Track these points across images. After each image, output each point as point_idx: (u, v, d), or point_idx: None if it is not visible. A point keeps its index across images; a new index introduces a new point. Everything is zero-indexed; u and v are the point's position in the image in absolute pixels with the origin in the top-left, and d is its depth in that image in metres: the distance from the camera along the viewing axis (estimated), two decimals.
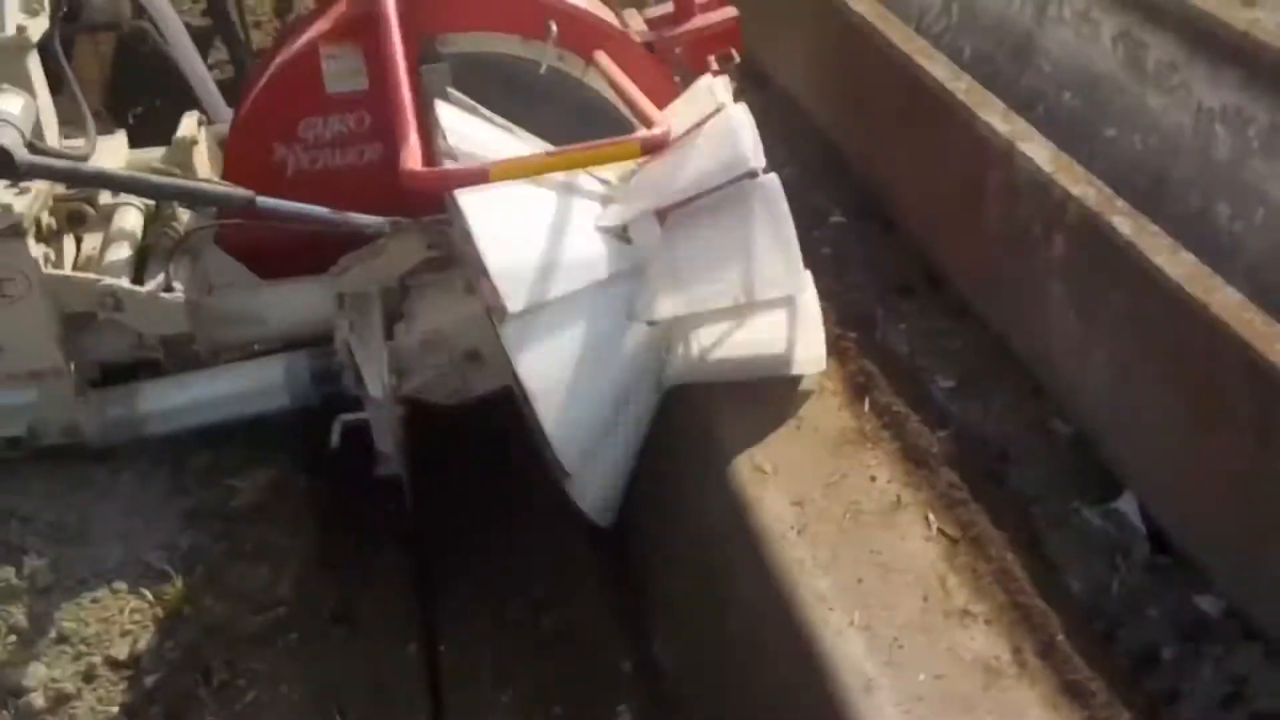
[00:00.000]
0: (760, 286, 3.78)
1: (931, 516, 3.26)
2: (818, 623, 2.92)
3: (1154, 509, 3.51)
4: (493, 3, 4.53)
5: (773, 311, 3.91)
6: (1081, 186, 3.81)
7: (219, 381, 4.44)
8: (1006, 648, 2.84)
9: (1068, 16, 5.28)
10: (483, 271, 3.57)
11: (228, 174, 4.53)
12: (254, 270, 4.57)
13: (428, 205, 4.28)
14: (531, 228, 3.74)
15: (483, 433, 4.51)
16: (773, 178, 3.78)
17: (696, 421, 3.83)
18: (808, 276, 3.82)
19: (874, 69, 5.18)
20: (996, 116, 4.28)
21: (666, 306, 3.83)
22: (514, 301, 3.60)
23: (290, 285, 4.55)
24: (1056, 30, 5.35)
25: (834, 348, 3.92)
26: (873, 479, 3.38)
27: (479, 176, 3.47)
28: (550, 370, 3.69)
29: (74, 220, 4.33)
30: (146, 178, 4.20)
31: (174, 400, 4.41)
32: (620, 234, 3.90)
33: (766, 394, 3.76)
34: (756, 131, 3.83)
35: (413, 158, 3.55)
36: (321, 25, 4.53)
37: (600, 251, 3.81)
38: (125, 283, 4.25)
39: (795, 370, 3.89)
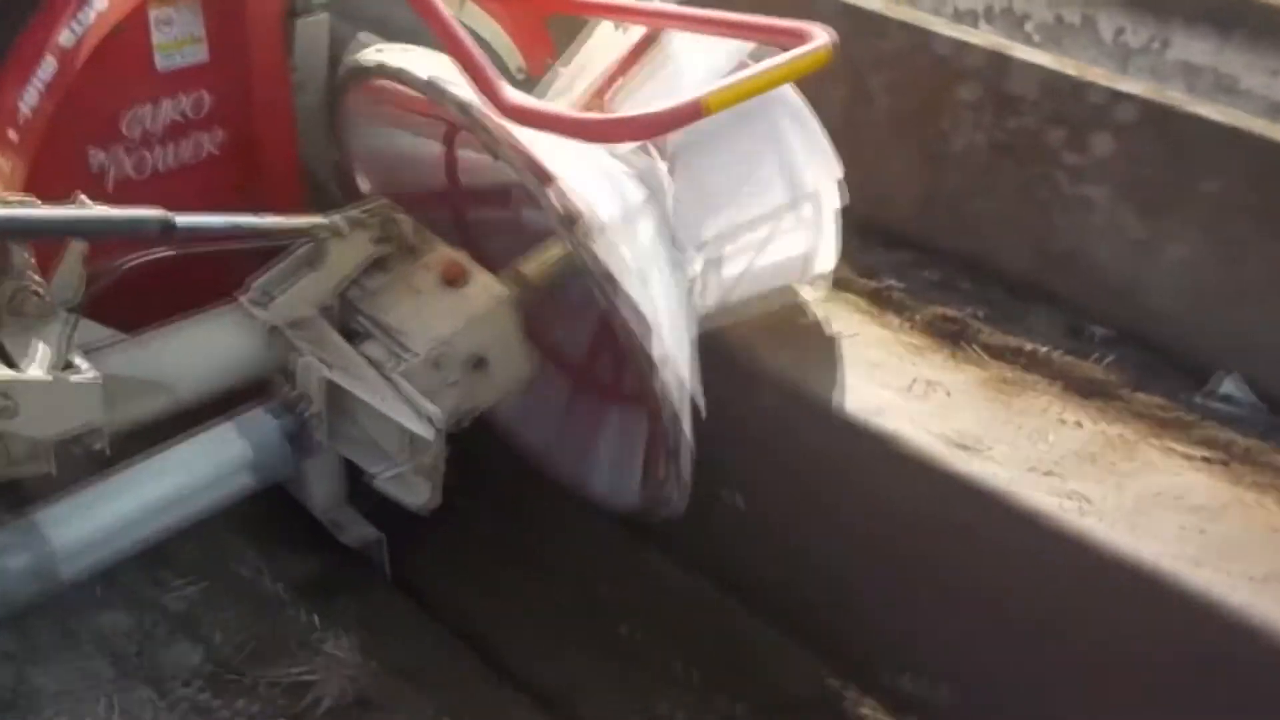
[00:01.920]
0: (800, 184, 3.59)
1: None
2: None
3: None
4: None
5: (798, 216, 3.73)
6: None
7: (147, 485, 3.19)
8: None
9: None
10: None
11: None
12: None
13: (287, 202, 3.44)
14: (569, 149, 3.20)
15: None
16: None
17: None
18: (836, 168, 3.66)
19: None
20: None
21: (709, 227, 3.49)
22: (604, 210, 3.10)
23: (192, 329, 3.38)
24: None
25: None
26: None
27: (694, 112, 2.87)
28: (646, 293, 3.21)
29: None
30: (33, 216, 2.85)
31: (91, 524, 3.09)
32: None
33: None
34: None
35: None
36: None
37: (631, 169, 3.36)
38: (11, 373, 2.89)
39: (815, 271, 3.77)
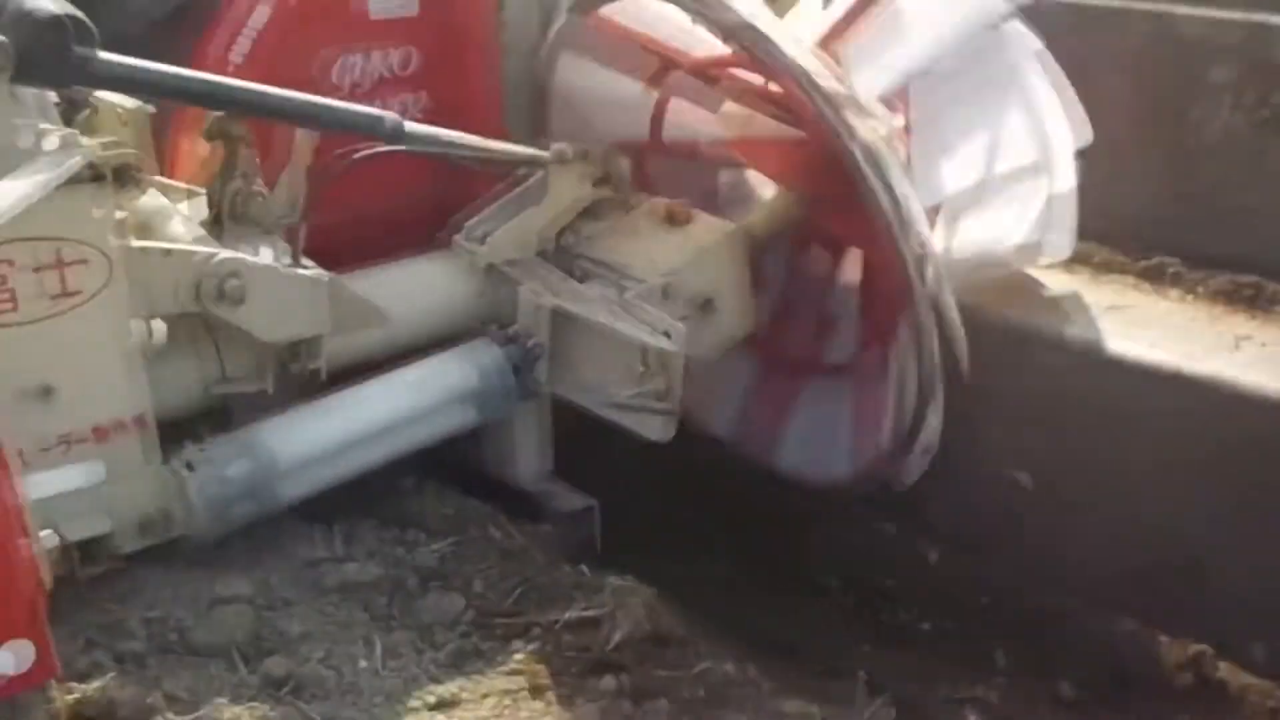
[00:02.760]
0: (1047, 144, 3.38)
1: None
2: None
3: None
4: None
5: (1027, 191, 3.51)
6: None
7: (370, 405, 2.93)
8: None
9: None
10: None
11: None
12: None
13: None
14: None
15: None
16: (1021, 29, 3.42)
17: None
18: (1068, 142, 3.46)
19: None
20: None
21: (950, 181, 3.29)
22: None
23: (408, 266, 3.20)
24: None
25: None
26: None
27: None
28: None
29: (120, 178, 2.62)
30: (272, 93, 2.72)
31: (314, 442, 2.82)
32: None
33: None
34: None
35: None
36: None
37: None
38: (246, 255, 2.70)
39: (1045, 258, 3.52)
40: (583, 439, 3.33)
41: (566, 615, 2.66)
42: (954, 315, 3.03)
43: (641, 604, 2.65)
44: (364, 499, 2.98)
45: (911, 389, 3.19)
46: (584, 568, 2.86)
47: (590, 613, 2.66)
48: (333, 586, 2.72)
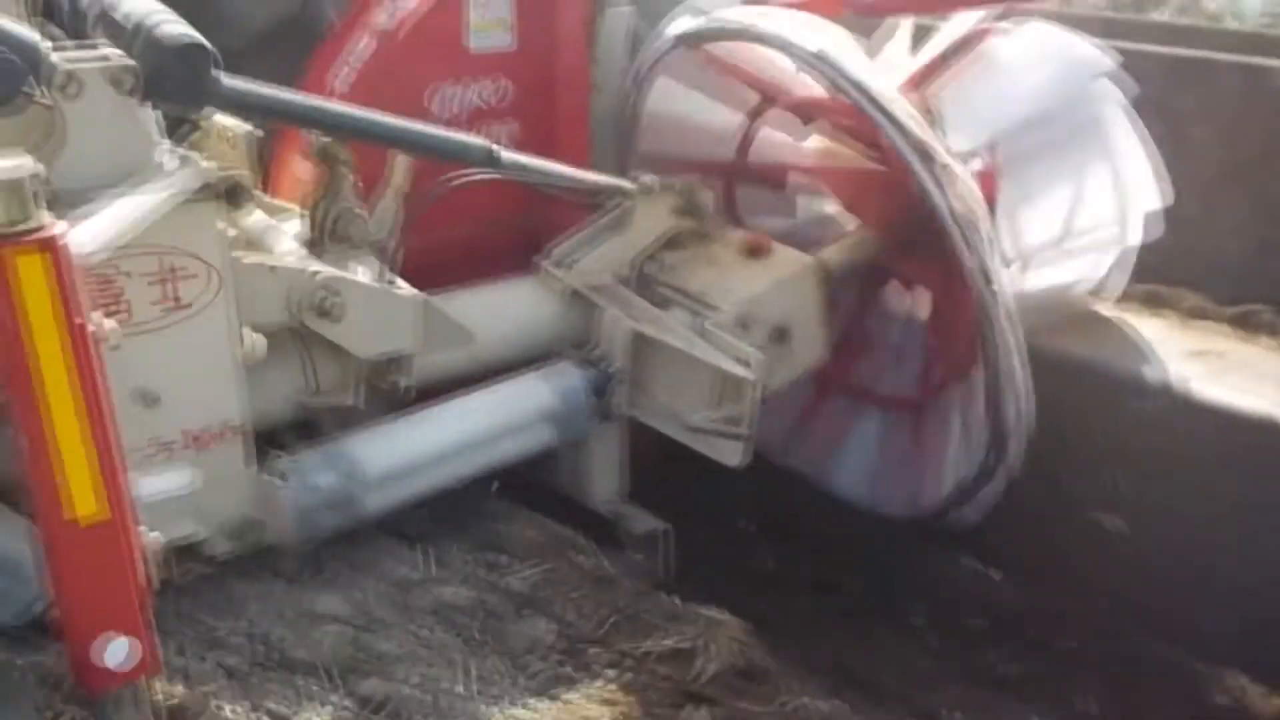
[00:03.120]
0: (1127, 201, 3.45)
1: None
2: None
3: None
4: None
5: (1102, 242, 3.57)
6: None
7: (453, 422, 3.02)
8: None
9: None
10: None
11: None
12: None
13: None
14: None
15: None
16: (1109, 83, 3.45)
17: None
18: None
19: None
20: None
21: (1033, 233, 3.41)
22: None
23: (495, 290, 3.30)
24: None
25: None
26: None
27: None
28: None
29: (231, 196, 2.75)
30: (375, 119, 2.84)
31: (399, 456, 2.92)
32: None
33: None
34: None
35: None
36: None
37: None
38: (343, 273, 2.81)
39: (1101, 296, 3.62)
40: (659, 464, 3.39)
41: (658, 646, 2.68)
42: (1027, 383, 3.08)
43: (732, 637, 2.67)
44: (454, 522, 3.04)
45: (977, 436, 3.25)
46: (675, 599, 2.88)
47: (681, 644, 2.69)
48: (425, 608, 2.77)
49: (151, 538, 2.05)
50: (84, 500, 1.82)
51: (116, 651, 1.86)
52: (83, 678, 1.87)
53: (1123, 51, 3.44)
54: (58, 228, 1.74)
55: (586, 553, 3.04)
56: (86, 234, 2.01)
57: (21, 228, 1.70)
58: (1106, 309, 3.71)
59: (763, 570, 3.71)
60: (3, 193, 1.67)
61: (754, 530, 3.82)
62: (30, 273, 1.71)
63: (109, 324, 1.91)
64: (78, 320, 1.78)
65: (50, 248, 1.70)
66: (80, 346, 1.78)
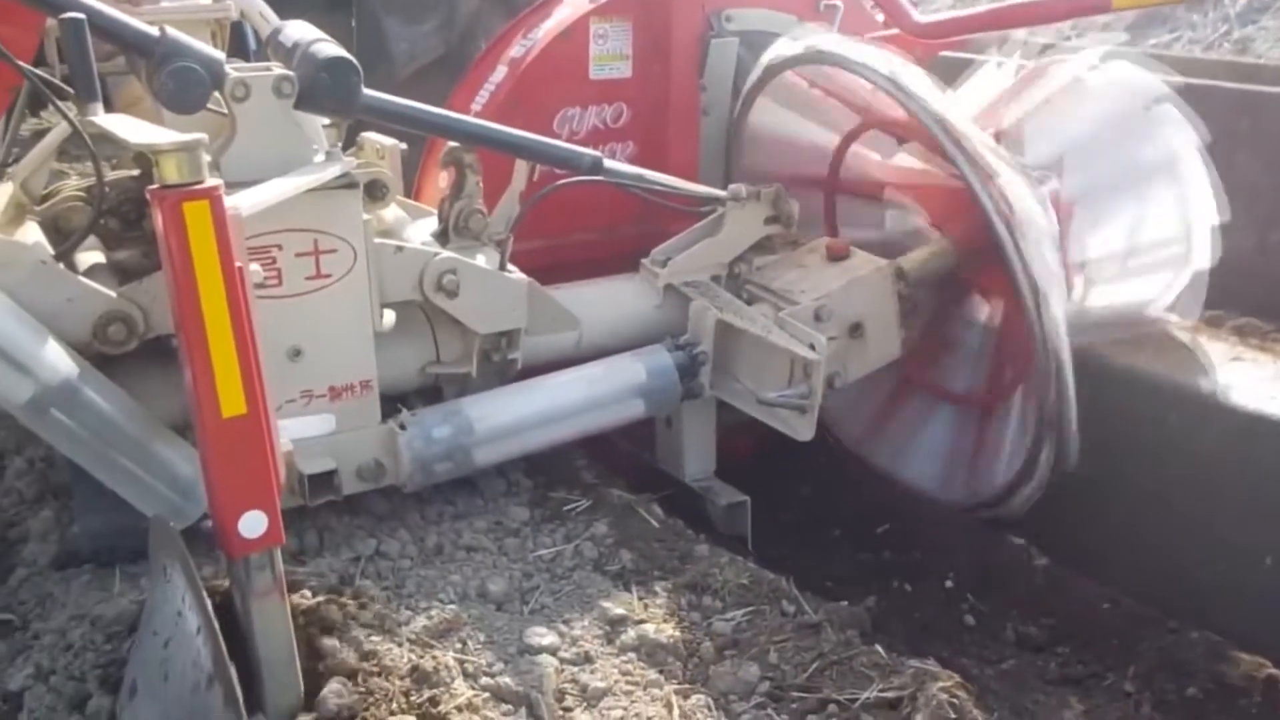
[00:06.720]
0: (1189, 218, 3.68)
1: None
2: None
3: None
4: None
5: (1169, 263, 3.79)
6: None
7: (555, 391, 3.47)
8: None
9: None
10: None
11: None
12: None
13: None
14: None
15: None
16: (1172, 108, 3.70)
17: None
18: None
19: None
20: None
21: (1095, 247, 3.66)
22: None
23: (599, 284, 3.76)
24: None
25: None
26: None
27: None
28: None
29: (370, 191, 3.29)
30: (495, 128, 3.35)
31: (506, 417, 3.37)
32: None
33: None
34: None
35: None
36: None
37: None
38: (465, 257, 3.31)
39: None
40: None
41: (865, 695, 2.65)
42: (1071, 391, 3.34)
43: (943, 689, 2.62)
44: (660, 562, 3.24)
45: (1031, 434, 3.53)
46: (879, 648, 2.85)
47: (889, 694, 2.64)
48: (630, 644, 2.87)
49: (284, 443, 2.54)
50: (232, 401, 2.29)
51: (253, 523, 2.32)
52: (225, 544, 2.33)
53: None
54: (221, 188, 2.24)
55: (792, 600, 3.08)
56: (244, 200, 2.53)
57: (194, 186, 2.21)
58: (1183, 333, 3.84)
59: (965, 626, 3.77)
60: (181, 154, 2.17)
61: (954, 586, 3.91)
62: (197, 218, 2.19)
63: (256, 267, 2.42)
64: (236, 262, 2.27)
65: (213, 198, 2.19)
66: (233, 283, 2.25)
